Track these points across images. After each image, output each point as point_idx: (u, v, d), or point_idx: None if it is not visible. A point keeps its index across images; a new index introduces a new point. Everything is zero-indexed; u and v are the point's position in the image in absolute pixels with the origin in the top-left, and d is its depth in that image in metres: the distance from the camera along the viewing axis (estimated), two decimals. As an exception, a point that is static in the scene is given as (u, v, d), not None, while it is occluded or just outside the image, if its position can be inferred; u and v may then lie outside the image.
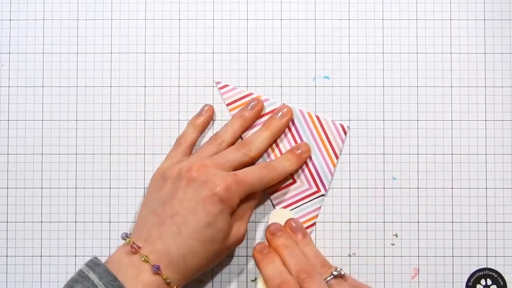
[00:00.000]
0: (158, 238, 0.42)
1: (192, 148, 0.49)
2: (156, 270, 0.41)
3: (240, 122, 0.49)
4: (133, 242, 0.42)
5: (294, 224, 0.47)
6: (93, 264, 0.41)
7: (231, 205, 0.44)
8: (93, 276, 0.40)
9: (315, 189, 0.50)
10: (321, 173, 0.50)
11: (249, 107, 0.49)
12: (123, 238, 0.43)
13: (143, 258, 0.41)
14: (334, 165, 0.50)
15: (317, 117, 0.50)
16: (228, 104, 0.50)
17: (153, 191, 0.46)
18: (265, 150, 0.49)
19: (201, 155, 0.47)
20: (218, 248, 0.44)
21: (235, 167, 0.46)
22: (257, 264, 0.45)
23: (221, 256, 0.46)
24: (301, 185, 0.50)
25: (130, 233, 0.44)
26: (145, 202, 0.46)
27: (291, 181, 0.50)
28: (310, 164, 0.50)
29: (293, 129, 0.50)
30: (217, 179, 0.43)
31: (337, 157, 0.50)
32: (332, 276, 0.44)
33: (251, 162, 0.48)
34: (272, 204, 0.50)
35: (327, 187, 0.50)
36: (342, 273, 0.45)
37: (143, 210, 0.45)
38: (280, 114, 0.49)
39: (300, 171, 0.50)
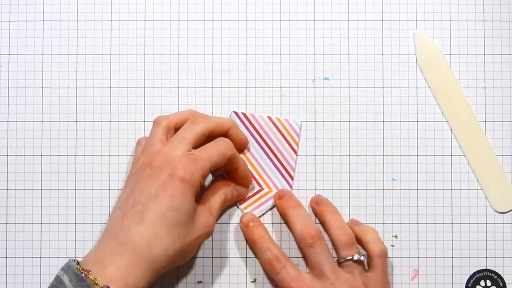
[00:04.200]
0: (121, 229, 0.42)
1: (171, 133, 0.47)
2: None
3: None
4: (82, 268, 0.41)
5: (321, 198, 0.48)
6: (67, 267, 0.41)
7: (193, 184, 0.43)
8: (65, 279, 0.40)
9: (275, 190, 0.50)
10: (284, 174, 0.50)
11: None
12: (74, 263, 0.42)
13: (93, 280, 0.40)
14: (294, 161, 0.50)
15: (269, 118, 0.50)
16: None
17: (122, 192, 0.45)
18: (221, 121, 0.47)
19: (153, 143, 0.45)
20: (184, 235, 0.42)
21: (192, 141, 0.45)
22: (244, 236, 0.45)
23: (188, 248, 0.44)
24: (265, 189, 0.50)
25: (78, 260, 0.42)
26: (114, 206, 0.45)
27: (258, 188, 0.50)
28: (272, 167, 0.50)
29: (249, 136, 0.50)
30: (173, 161, 0.43)
31: (295, 153, 0.50)
32: (351, 258, 0.44)
33: (209, 131, 0.46)
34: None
35: (291, 186, 0.50)
36: (362, 259, 0.44)
37: (113, 208, 0.44)
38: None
39: (264, 176, 0.50)
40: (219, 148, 0.45)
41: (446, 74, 0.50)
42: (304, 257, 0.47)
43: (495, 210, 0.50)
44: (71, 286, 0.40)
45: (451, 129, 0.50)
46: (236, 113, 0.50)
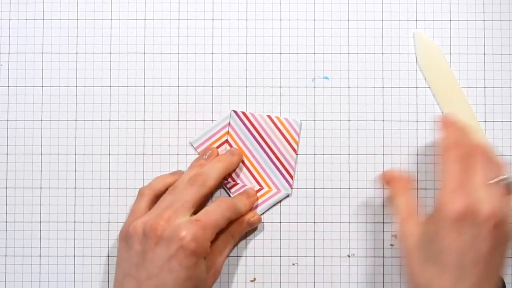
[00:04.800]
0: None
1: (156, 201, 0.47)
2: None
3: (197, 169, 0.47)
4: None
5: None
6: None
7: (204, 252, 0.43)
8: None
9: (275, 190, 0.50)
10: (284, 173, 0.50)
11: (205, 156, 0.49)
12: None
13: None
14: (294, 160, 0.50)
15: (269, 117, 0.50)
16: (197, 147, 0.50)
17: (122, 251, 0.45)
18: (220, 180, 0.48)
19: (161, 205, 0.45)
20: None
21: (194, 203, 0.45)
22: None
23: None
24: (265, 188, 0.50)
25: None
26: (117, 263, 0.45)
27: (259, 187, 0.50)
28: (271, 166, 0.50)
29: (248, 135, 0.50)
30: (182, 231, 0.42)
31: (295, 152, 0.50)
32: (506, 179, 0.41)
33: (209, 193, 0.47)
34: None
35: (291, 185, 0.50)
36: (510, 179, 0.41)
37: (118, 272, 0.44)
38: (231, 151, 0.49)
39: (264, 175, 0.50)
40: (223, 213, 0.45)
41: (446, 74, 0.50)
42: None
43: None
44: None
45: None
46: (235, 112, 0.50)
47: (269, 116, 0.50)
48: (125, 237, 0.45)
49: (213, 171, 0.47)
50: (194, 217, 0.44)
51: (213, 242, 0.46)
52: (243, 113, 0.50)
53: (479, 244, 0.39)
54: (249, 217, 0.49)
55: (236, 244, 0.49)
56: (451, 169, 0.42)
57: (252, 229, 0.50)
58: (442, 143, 0.43)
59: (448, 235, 0.40)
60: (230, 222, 0.48)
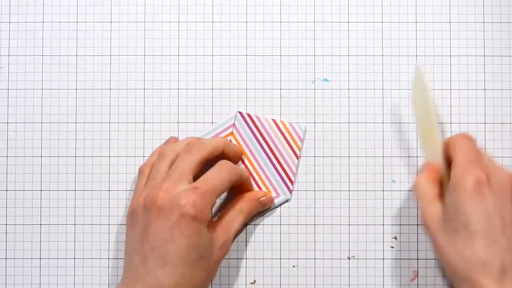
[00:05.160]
0: (147, 274, 0.42)
1: None
2: None
3: (192, 139, 0.47)
4: None
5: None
6: None
7: (205, 218, 0.43)
8: None
9: (274, 194, 0.50)
10: (284, 178, 0.50)
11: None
12: None
13: None
14: (296, 166, 0.50)
15: (274, 121, 0.50)
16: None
17: (129, 229, 0.45)
18: (216, 150, 0.47)
19: (157, 176, 0.45)
20: (207, 265, 0.43)
21: (192, 171, 0.45)
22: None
23: (211, 275, 0.45)
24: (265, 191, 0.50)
25: None
26: (126, 242, 0.45)
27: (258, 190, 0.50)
28: (272, 170, 0.50)
29: (252, 137, 0.50)
30: (180, 199, 0.42)
31: (297, 158, 0.50)
32: None
33: (207, 159, 0.46)
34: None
35: (291, 191, 0.50)
36: None
37: (127, 250, 0.44)
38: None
39: (264, 178, 0.50)
40: (223, 177, 0.45)
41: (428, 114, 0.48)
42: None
43: None
44: None
45: (451, 131, 0.50)
46: (241, 113, 0.50)
47: (273, 120, 0.50)
48: (130, 216, 0.45)
49: (209, 140, 0.47)
50: (193, 184, 0.44)
51: (221, 217, 0.46)
52: (248, 115, 0.50)
53: (502, 208, 0.41)
54: (260, 195, 0.49)
55: (246, 222, 0.48)
56: (463, 146, 0.43)
57: (264, 210, 0.49)
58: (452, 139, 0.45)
59: (471, 204, 0.41)
60: (241, 198, 0.48)
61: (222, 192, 0.45)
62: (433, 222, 0.43)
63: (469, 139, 0.44)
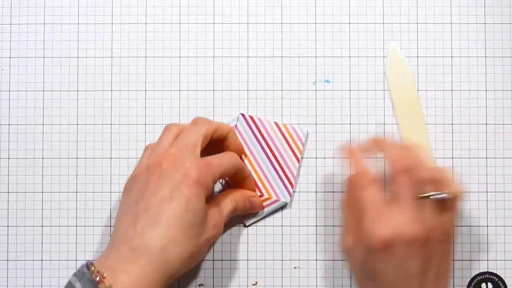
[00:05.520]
0: (135, 235, 0.41)
1: None
2: None
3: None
4: (97, 271, 0.40)
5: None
6: (80, 273, 0.40)
7: (206, 187, 0.43)
8: (78, 286, 0.39)
9: (274, 198, 0.50)
10: (284, 181, 0.50)
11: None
12: (86, 267, 0.41)
13: (108, 286, 0.39)
14: (297, 169, 0.50)
15: (276, 124, 0.50)
16: None
17: (124, 195, 0.44)
18: (222, 132, 0.47)
19: (161, 145, 0.45)
20: (197, 237, 0.42)
21: (199, 145, 0.44)
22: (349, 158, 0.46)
23: (200, 251, 0.43)
24: (265, 195, 0.50)
25: (92, 262, 0.41)
26: (118, 210, 0.44)
27: (258, 194, 0.50)
28: (273, 173, 0.50)
29: (253, 139, 0.50)
30: (186, 163, 0.42)
31: (298, 162, 0.50)
32: (438, 195, 0.42)
33: (211, 136, 0.46)
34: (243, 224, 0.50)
35: (291, 194, 0.50)
36: (443, 196, 0.42)
37: (118, 216, 0.44)
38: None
39: (265, 181, 0.50)
40: (229, 159, 0.45)
41: (410, 91, 0.49)
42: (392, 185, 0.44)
43: None
44: None
45: (452, 132, 0.50)
46: (243, 115, 0.50)
47: (276, 123, 0.50)
48: (129, 182, 0.44)
49: (215, 121, 0.47)
50: (200, 158, 0.44)
51: (214, 201, 0.46)
52: (251, 117, 0.50)
53: (409, 263, 0.41)
54: (251, 195, 0.49)
55: (234, 213, 0.47)
56: (373, 197, 0.43)
57: (251, 215, 0.50)
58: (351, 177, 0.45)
59: (379, 260, 0.41)
60: (234, 190, 0.48)
61: (226, 173, 0.45)
62: (352, 258, 0.43)
63: (375, 191, 0.43)
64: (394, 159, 0.44)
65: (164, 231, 0.41)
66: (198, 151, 0.44)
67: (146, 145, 0.47)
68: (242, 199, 0.48)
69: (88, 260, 0.41)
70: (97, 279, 0.39)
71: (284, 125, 0.50)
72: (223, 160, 0.45)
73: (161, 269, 0.41)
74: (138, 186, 0.43)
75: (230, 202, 0.46)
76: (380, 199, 0.43)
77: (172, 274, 0.41)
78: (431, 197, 0.42)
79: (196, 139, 0.44)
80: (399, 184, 0.43)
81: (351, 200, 0.44)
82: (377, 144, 0.46)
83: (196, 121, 0.46)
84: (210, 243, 0.45)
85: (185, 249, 0.41)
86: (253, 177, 0.50)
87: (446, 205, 0.43)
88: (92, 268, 0.40)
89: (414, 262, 0.41)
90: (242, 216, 0.50)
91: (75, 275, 0.40)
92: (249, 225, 0.50)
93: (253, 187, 0.49)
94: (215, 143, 0.47)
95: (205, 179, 0.42)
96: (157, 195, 0.42)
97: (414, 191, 0.42)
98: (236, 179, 0.48)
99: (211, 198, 0.45)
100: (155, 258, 0.40)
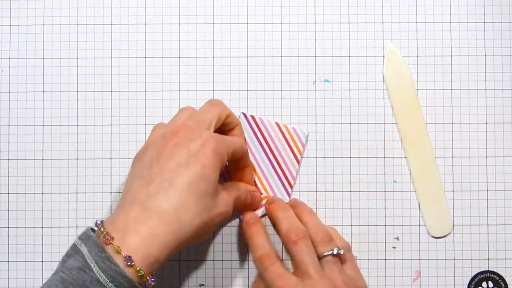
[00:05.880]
0: (147, 196, 0.40)
1: None
2: (129, 262, 0.38)
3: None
4: (106, 233, 0.39)
5: (297, 201, 0.49)
6: (85, 236, 0.40)
7: (222, 160, 0.43)
8: (84, 249, 0.39)
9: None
10: (284, 181, 0.50)
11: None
12: (96, 226, 0.40)
13: (116, 249, 0.38)
14: (296, 170, 0.50)
15: (277, 124, 0.50)
16: None
17: (135, 163, 0.43)
18: (233, 113, 0.47)
19: (176, 120, 0.45)
20: (209, 206, 0.42)
21: (214, 124, 0.45)
22: (243, 233, 0.47)
23: (210, 224, 0.43)
24: (263, 194, 0.50)
25: (103, 221, 0.41)
26: (127, 178, 0.43)
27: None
28: (272, 173, 0.50)
29: (254, 139, 0.50)
30: (203, 134, 0.43)
31: (298, 163, 0.50)
32: (330, 253, 0.45)
33: (225, 118, 0.46)
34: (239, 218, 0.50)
35: (290, 195, 0.50)
36: (341, 253, 0.45)
37: (128, 180, 0.43)
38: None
39: (264, 181, 0.50)
40: (239, 141, 0.46)
41: (410, 92, 0.50)
42: (290, 256, 0.46)
43: (432, 236, 0.50)
44: (90, 257, 0.38)
45: (452, 131, 0.50)
46: (245, 115, 0.50)
47: (277, 123, 0.50)
48: (141, 152, 0.43)
49: (228, 108, 0.47)
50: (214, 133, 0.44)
51: (222, 185, 0.45)
52: (252, 116, 0.50)
53: None
54: (253, 189, 0.49)
55: (236, 202, 0.46)
56: (276, 275, 0.44)
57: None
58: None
59: None
60: (236, 182, 0.48)
61: (236, 153, 0.45)
62: None
63: (279, 267, 0.45)
64: (284, 231, 0.46)
65: (177, 194, 0.40)
66: (212, 128, 0.44)
67: (156, 125, 0.46)
68: (244, 191, 0.48)
69: (99, 219, 0.41)
70: (105, 240, 0.39)
71: (285, 125, 0.50)
72: (235, 140, 0.45)
73: (172, 232, 0.40)
74: (151, 153, 0.42)
75: (236, 189, 0.47)
76: (286, 272, 0.44)
77: (182, 240, 0.41)
78: (332, 255, 0.45)
79: (212, 117, 0.45)
80: (298, 253, 0.44)
81: (259, 282, 0.46)
82: (270, 213, 0.48)
83: (213, 102, 0.46)
84: (220, 221, 0.44)
85: (196, 216, 0.41)
86: (253, 174, 0.50)
87: (343, 258, 0.46)
88: (102, 229, 0.39)
89: None
90: (240, 215, 0.50)
91: (80, 238, 0.40)
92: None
93: (252, 177, 0.49)
94: (223, 133, 0.47)
95: (221, 151, 0.43)
96: (173, 160, 0.41)
97: (313, 254, 0.44)
98: (239, 166, 0.48)
99: (220, 182, 0.45)
100: (168, 219, 0.40)
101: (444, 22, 0.51)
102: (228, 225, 0.50)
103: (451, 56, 0.51)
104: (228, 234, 0.50)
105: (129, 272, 0.38)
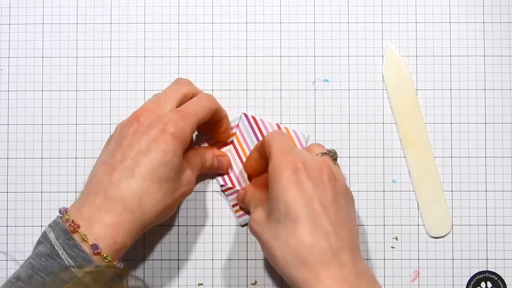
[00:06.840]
0: (110, 185, 0.41)
1: None
2: (95, 250, 0.39)
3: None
4: (72, 221, 0.40)
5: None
6: (54, 223, 0.41)
7: (184, 140, 0.43)
8: (51, 236, 0.40)
9: None
10: None
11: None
12: (60, 213, 0.41)
13: (82, 237, 0.40)
14: None
15: (277, 126, 0.50)
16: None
17: (103, 150, 0.45)
18: (208, 96, 0.47)
19: (145, 103, 0.46)
20: (172, 189, 0.43)
21: (178, 102, 0.45)
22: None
23: (174, 205, 0.44)
24: None
25: (66, 209, 0.42)
26: (95, 164, 0.44)
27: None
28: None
29: (254, 140, 0.50)
30: (163, 118, 0.43)
31: None
32: (324, 153, 0.44)
33: (192, 96, 0.47)
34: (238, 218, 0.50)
35: None
36: (333, 155, 0.45)
37: (94, 165, 0.44)
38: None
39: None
40: (204, 104, 0.46)
41: (408, 89, 0.50)
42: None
43: (431, 236, 0.50)
44: (57, 243, 0.39)
45: (451, 131, 0.50)
46: (246, 115, 0.50)
47: (278, 125, 0.50)
48: (110, 137, 0.45)
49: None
50: (176, 109, 0.44)
51: (185, 157, 0.45)
52: (253, 117, 0.50)
53: (320, 192, 0.41)
54: (220, 153, 0.49)
55: (202, 170, 0.48)
56: (277, 141, 0.44)
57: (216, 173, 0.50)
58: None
59: (289, 192, 0.41)
60: (202, 148, 0.49)
61: (203, 120, 0.45)
62: (257, 222, 0.43)
63: (281, 134, 0.45)
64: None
65: (139, 182, 0.41)
66: (175, 106, 0.45)
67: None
68: (210, 157, 0.48)
69: (63, 207, 0.41)
70: (71, 229, 0.40)
71: (286, 128, 0.50)
72: (197, 108, 0.45)
73: (136, 220, 0.41)
74: (115, 139, 0.44)
75: (199, 159, 0.47)
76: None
77: (145, 225, 0.42)
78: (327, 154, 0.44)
79: (174, 94, 0.45)
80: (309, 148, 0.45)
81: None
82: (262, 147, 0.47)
83: (178, 81, 0.47)
84: (182, 199, 0.46)
85: (160, 202, 0.42)
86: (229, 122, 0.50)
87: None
88: (67, 216, 0.40)
89: (326, 191, 0.41)
90: (236, 217, 0.50)
91: (49, 225, 0.41)
92: (244, 225, 0.50)
93: (229, 126, 0.49)
94: (211, 125, 0.48)
95: (182, 133, 0.43)
96: (134, 147, 0.42)
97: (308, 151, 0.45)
98: (212, 121, 0.48)
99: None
100: (130, 208, 0.41)
101: (443, 22, 0.51)
102: (227, 225, 0.50)
103: (450, 56, 0.51)
104: (226, 234, 0.50)
105: (96, 259, 0.39)
